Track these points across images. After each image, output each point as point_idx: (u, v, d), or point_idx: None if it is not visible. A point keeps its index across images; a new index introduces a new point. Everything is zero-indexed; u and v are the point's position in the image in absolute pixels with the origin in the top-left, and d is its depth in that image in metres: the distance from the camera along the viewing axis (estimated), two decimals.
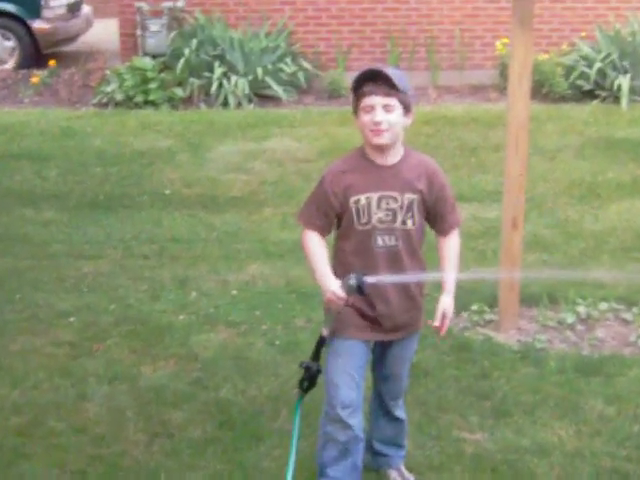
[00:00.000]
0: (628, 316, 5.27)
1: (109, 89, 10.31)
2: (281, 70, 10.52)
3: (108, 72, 10.84)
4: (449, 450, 3.98)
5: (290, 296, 5.48)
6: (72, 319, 5.26)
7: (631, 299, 5.41)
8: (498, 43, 10.77)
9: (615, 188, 7.44)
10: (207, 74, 10.40)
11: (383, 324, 3.40)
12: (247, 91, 10.24)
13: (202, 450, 3.98)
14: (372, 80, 3.23)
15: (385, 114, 3.23)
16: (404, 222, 3.33)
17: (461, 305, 5.34)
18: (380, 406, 3.67)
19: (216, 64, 10.37)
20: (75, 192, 7.50)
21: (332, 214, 3.36)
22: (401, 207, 3.31)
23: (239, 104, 10.22)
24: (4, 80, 11.45)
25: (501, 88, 10.26)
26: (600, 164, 8.02)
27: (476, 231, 6.53)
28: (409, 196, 3.32)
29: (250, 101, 10.32)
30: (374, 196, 3.30)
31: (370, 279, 3.20)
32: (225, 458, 3.91)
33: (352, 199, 3.30)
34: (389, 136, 3.26)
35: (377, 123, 3.22)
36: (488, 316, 5.25)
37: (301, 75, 10.65)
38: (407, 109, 3.29)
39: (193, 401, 4.37)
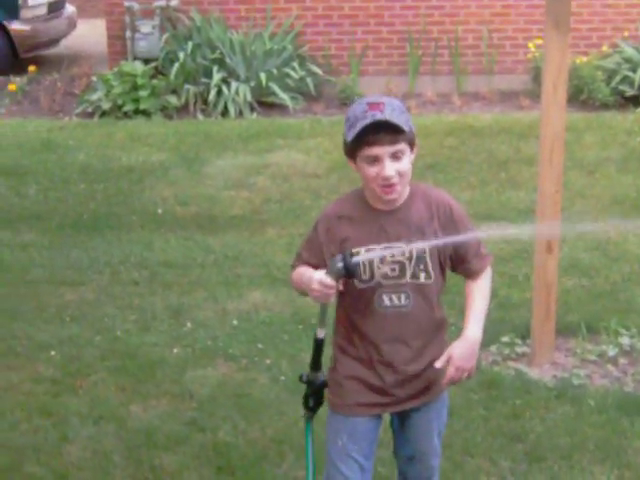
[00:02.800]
0: None
1: (95, 97, 10.41)
2: (287, 75, 10.61)
3: (94, 78, 10.95)
4: None
5: (296, 327, 5.51)
6: (53, 352, 5.30)
7: None
8: (531, 45, 10.84)
9: None
10: (204, 80, 10.50)
11: (396, 394, 3.23)
12: (249, 99, 10.33)
13: None
14: (374, 129, 3.03)
15: (394, 164, 3.06)
16: (415, 276, 3.15)
17: (490, 337, 5.36)
18: None
19: (214, 69, 10.47)
20: (57, 212, 7.55)
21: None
22: (410, 259, 3.14)
23: (240, 113, 10.30)
24: None
25: (534, 95, 10.30)
26: None
27: (507, 254, 6.55)
28: (418, 246, 3.15)
29: (252, 110, 10.40)
30: (376, 249, 3.13)
31: (358, 257, 3.05)
32: None
33: (349, 251, 3.10)
34: (401, 188, 3.11)
35: (387, 178, 3.06)
36: (520, 349, 5.26)
37: (309, 81, 10.73)
38: (413, 145, 3.14)
39: (188, 444, 4.39)
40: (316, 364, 3.29)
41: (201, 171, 8.50)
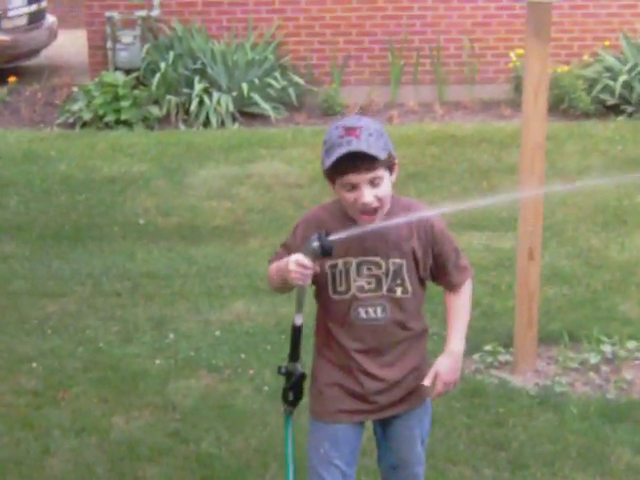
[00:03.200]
0: None
1: (76, 107, 10.39)
2: (269, 85, 10.62)
3: (75, 89, 10.93)
4: None
5: (280, 337, 5.50)
6: (35, 364, 5.29)
7: None
8: (512, 54, 10.89)
9: None
10: (186, 90, 10.50)
11: (377, 402, 3.23)
12: (231, 109, 10.34)
13: None
14: (349, 158, 3.00)
15: (372, 190, 3.05)
16: (391, 290, 3.17)
17: (473, 345, 5.39)
18: None
19: (196, 79, 10.47)
20: (38, 222, 7.54)
21: None
22: (386, 274, 3.16)
23: (222, 123, 10.31)
24: None
25: (516, 104, 10.34)
26: (626, 187, 8.08)
27: (489, 262, 6.58)
28: (396, 261, 3.16)
29: (234, 120, 10.41)
30: (353, 261, 3.14)
31: (333, 236, 3.04)
32: None
33: (328, 263, 3.13)
34: (382, 212, 3.11)
35: (366, 205, 3.06)
36: (503, 357, 5.29)
37: (292, 91, 10.75)
38: (392, 167, 3.13)
39: (171, 455, 4.40)
40: (294, 354, 3.26)
41: (183, 181, 8.50)
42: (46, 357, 5.36)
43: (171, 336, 5.62)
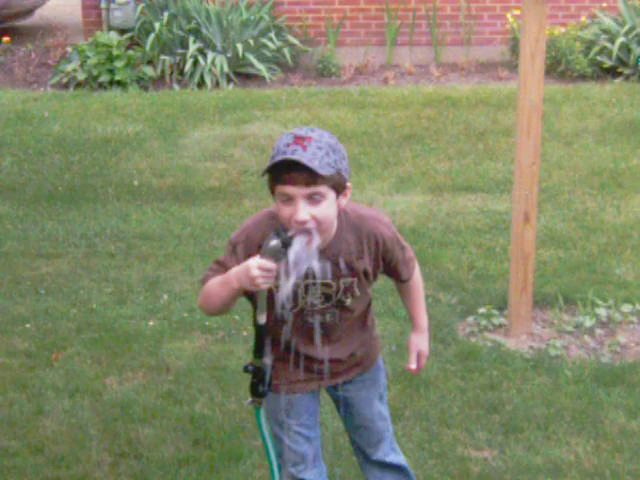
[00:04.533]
0: None
1: (70, 68, 10.31)
2: (264, 46, 10.54)
3: (69, 49, 10.83)
4: (453, 469, 4.00)
5: None
6: (28, 325, 5.27)
7: None
8: (509, 15, 10.81)
9: None
10: (180, 51, 10.41)
11: (327, 372, 3.17)
12: (226, 69, 10.26)
13: (174, 472, 3.99)
14: (287, 167, 2.79)
15: (310, 207, 2.82)
16: (341, 301, 3.07)
17: (467, 308, 5.38)
18: (364, 457, 3.40)
19: (191, 39, 10.38)
20: (32, 183, 7.49)
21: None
22: (336, 292, 3.05)
23: (217, 84, 10.23)
24: None
25: (512, 66, 10.30)
26: (623, 150, 8.06)
27: (483, 225, 6.56)
28: (346, 280, 3.04)
29: (229, 80, 10.33)
30: (301, 283, 2.97)
31: (292, 232, 2.83)
32: None
33: (274, 283, 2.89)
34: (321, 236, 2.88)
35: (300, 222, 2.82)
36: (497, 320, 5.27)
37: (287, 51, 10.67)
38: (340, 189, 2.89)
39: (164, 417, 4.38)
40: (260, 351, 3.13)
41: (177, 142, 8.44)
42: (40, 318, 5.34)
43: (165, 297, 5.60)
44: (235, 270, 2.89)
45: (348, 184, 2.92)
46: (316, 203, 2.82)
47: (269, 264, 2.80)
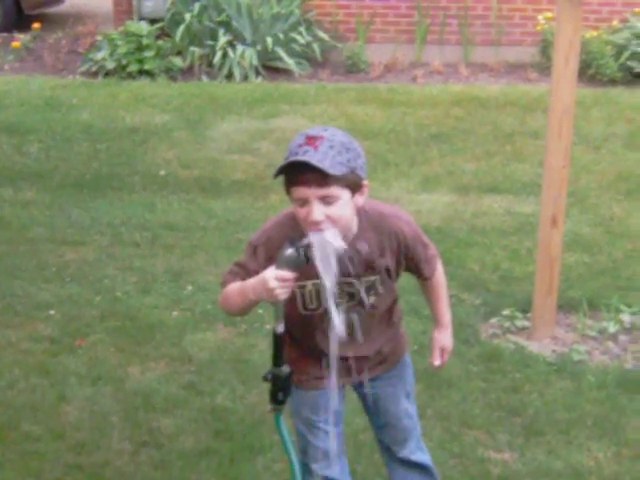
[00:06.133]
0: None
1: (99, 56, 10.35)
2: (294, 40, 10.54)
3: (99, 37, 10.88)
4: (473, 471, 3.99)
5: None
6: (52, 312, 5.29)
7: None
8: (540, 17, 10.75)
9: None
10: (210, 42, 10.43)
11: (354, 369, 3.15)
12: (255, 62, 10.27)
13: (195, 462, 4.00)
14: (299, 169, 2.74)
15: (325, 208, 2.77)
16: (365, 299, 3.06)
17: (491, 309, 5.37)
18: (389, 455, 3.39)
19: (221, 32, 10.40)
20: (59, 170, 7.53)
21: None
22: (359, 290, 3.03)
23: (245, 77, 10.24)
24: None
25: (542, 67, 10.26)
26: None
27: (509, 227, 6.54)
28: (369, 278, 3.02)
29: (258, 74, 10.34)
30: (324, 284, 2.89)
31: (307, 239, 2.79)
32: (220, 472, 3.93)
33: (296, 283, 2.86)
34: (346, 232, 2.87)
35: (315, 223, 2.78)
36: (520, 322, 5.25)
37: (316, 46, 10.67)
38: (356, 188, 2.84)
39: (186, 407, 4.40)
40: (279, 359, 3.08)
41: (205, 134, 8.46)
42: (64, 305, 5.36)
43: (189, 288, 5.61)
44: (251, 282, 2.87)
45: (364, 182, 2.87)
46: (330, 204, 2.78)
47: (286, 274, 2.78)
